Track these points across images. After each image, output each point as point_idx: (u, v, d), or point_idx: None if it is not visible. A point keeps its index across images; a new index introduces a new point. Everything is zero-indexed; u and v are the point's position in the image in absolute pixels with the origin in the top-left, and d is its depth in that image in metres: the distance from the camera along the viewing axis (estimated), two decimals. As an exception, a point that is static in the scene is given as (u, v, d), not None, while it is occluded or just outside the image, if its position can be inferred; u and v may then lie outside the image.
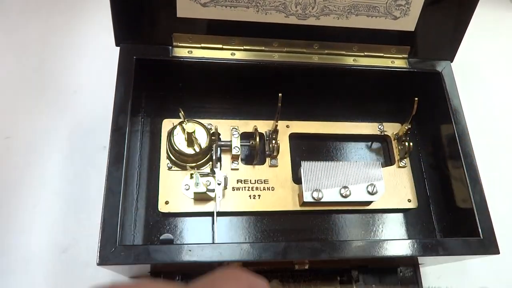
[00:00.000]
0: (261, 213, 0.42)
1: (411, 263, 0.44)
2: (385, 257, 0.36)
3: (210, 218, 0.42)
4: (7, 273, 0.46)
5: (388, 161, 0.47)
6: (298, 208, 0.42)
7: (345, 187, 0.42)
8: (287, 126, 0.46)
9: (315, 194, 0.41)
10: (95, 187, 0.50)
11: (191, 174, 0.41)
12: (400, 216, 0.46)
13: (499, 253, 0.38)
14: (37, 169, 0.50)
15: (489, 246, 0.38)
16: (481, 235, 0.38)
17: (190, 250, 0.34)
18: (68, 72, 0.57)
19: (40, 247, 0.47)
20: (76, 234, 0.48)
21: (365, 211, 0.45)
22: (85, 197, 0.50)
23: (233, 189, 0.42)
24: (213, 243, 0.38)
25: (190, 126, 0.39)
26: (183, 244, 0.34)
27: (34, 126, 0.52)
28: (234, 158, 0.43)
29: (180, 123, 0.42)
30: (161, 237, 0.37)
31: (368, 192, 0.42)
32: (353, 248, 0.36)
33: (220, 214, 0.41)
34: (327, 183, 0.42)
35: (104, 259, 0.32)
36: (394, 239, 0.38)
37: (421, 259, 0.41)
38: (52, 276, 0.46)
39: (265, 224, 0.43)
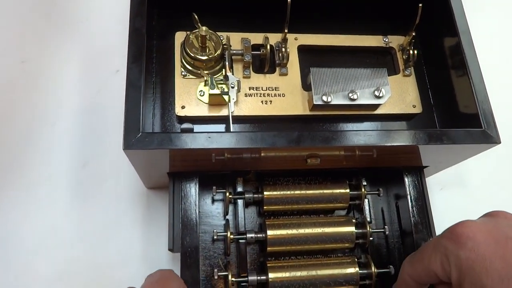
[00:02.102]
0: (273, 118, 0.44)
1: (416, 167, 0.46)
2: (393, 147, 0.38)
3: (224, 126, 0.44)
4: (32, 188, 0.48)
5: (393, 71, 0.49)
6: (308, 112, 0.44)
7: (352, 91, 0.44)
8: (295, 39, 0.47)
9: (324, 98, 0.43)
10: (110, 108, 0.52)
11: (205, 81, 0.43)
12: (404, 123, 0.48)
13: (500, 142, 0.40)
14: (53, 90, 0.52)
15: (490, 136, 0.40)
16: (484, 127, 0.40)
17: (209, 137, 0.36)
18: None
19: (61, 162, 0.49)
20: (94, 150, 0.50)
21: (372, 118, 0.47)
22: (100, 116, 0.52)
23: (246, 95, 0.44)
24: (231, 131, 0.40)
25: (204, 29, 0.41)
26: (203, 132, 0.36)
27: (48, 50, 0.54)
28: (246, 65, 0.45)
29: (193, 32, 0.43)
30: (182, 126, 0.39)
31: (375, 96, 0.44)
32: (362, 137, 0.38)
33: (234, 119, 0.43)
34: (335, 88, 0.44)
35: (129, 145, 0.34)
36: (401, 129, 0.40)
37: (425, 157, 0.43)
38: (74, 189, 0.49)
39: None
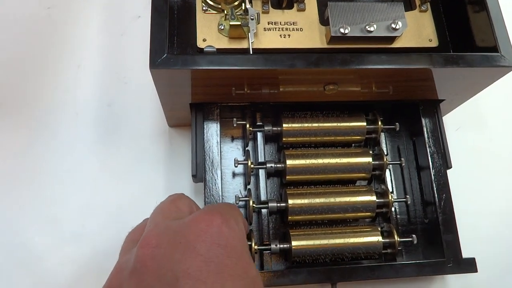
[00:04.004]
0: (291, 51, 0.45)
1: (432, 101, 0.47)
2: (410, 70, 0.39)
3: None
4: (58, 125, 0.51)
5: (409, 7, 0.49)
6: (325, 46, 0.45)
7: (369, 24, 0.45)
8: (313, -24, 0.48)
9: (342, 30, 0.44)
10: (132, 51, 0.54)
11: (226, 15, 0.44)
12: (421, 57, 0.49)
13: (516, 67, 0.40)
14: (78, 34, 0.54)
15: (507, 60, 0.40)
16: (500, 53, 0.41)
17: (231, 58, 0.37)
18: None
19: (86, 102, 0.51)
20: (118, 90, 0.52)
21: (388, 51, 0.47)
22: (123, 58, 0.54)
23: (264, 29, 0.45)
24: (251, 54, 0.42)
25: (224, -39, 0.42)
26: (225, 54, 0.37)
27: (72, -3, 0.56)
28: (265, 1, 0.46)
29: (213, -33, 0.44)
30: (205, 49, 0.41)
31: (391, 28, 0.45)
32: (379, 60, 0.39)
33: (254, 51, 0.44)
34: (352, 21, 0.45)
35: (155, 65, 0.36)
36: (417, 53, 0.41)
37: (440, 87, 0.44)
38: (99, 126, 0.51)
39: (295, 62, 0.46)
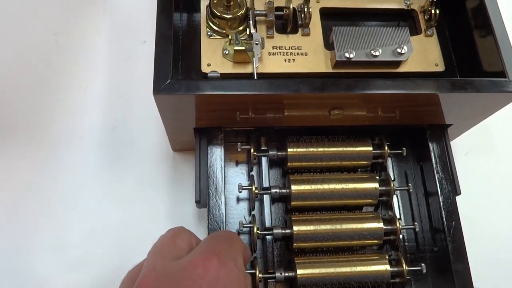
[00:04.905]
0: (296, 75, 0.45)
1: (439, 125, 0.46)
2: (416, 95, 0.39)
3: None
4: (63, 149, 0.51)
5: (415, 32, 0.49)
6: (330, 70, 0.45)
7: (374, 49, 0.44)
8: (317, 1, 0.48)
9: (347, 54, 0.44)
10: (138, 75, 0.54)
11: (230, 40, 0.44)
12: (427, 83, 0.48)
13: (524, 90, 0.40)
14: (84, 59, 0.55)
15: (515, 85, 0.40)
16: (508, 78, 0.40)
17: (235, 83, 0.37)
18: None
19: (92, 125, 0.51)
20: (123, 115, 0.52)
21: (394, 76, 0.47)
22: (129, 83, 0.54)
23: (269, 54, 0.45)
24: (255, 78, 0.41)
25: (229, -13, 0.42)
26: (228, 79, 0.37)
27: (79, 23, 0.56)
28: (269, 26, 0.46)
29: (218, -8, 0.45)
30: (209, 74, 0.41)
31: (397, 53, 0.45)
32: (384, 85, 0.38)
33: (258, 76, 0.44)
34: (357, 45, 0.44)
35: (159, 90, 0.36)
36: (423, 78, 0.40)
37: (448, 112, 0.43)
38: (103, 151, 0.51)
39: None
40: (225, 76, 0.44)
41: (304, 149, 0.45)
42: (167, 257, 0.30)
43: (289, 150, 0.45)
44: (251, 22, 0.44)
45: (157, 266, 0.29)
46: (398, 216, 0.46)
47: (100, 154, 0.50)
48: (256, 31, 0.45)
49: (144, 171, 0.50)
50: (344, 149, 0.46)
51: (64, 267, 0.46)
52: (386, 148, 0.46)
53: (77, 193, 0.49)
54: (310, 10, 0.45)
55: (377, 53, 0.44)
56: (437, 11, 0.47)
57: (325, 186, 0.44)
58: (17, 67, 0.54)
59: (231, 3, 0.44)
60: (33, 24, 0.56)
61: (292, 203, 0.44)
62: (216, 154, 0.43)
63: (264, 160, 0.46)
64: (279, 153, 0.45)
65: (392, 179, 0.47)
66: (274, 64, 0.45)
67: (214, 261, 0.28)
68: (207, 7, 0.45)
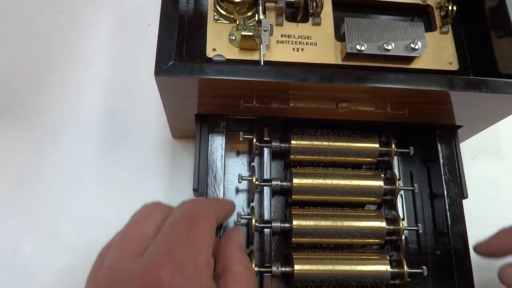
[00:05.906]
0: (304, 65, 0.43)
1: (449, 126, 0.45)
2: (428, 91, 0.37)
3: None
4: (61, 133, 0.49)
5: (429, 29, 0.47)
6: (340, 62, 0.44)
7: (387, 42, 0.43)
8: (330, -9, 0.47)
9: (358, 46, 0.42)
10: (140, 59, 0.53)
11: (237, 26, 0.43)
12: (440, 80, 0.47)
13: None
14: (85, 40, 0.53)
15: (531, 86, 0.38)
16: (523, 78, 0.38)
17: (240, 68, 0.35)
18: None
19: (90, 110, 0.50)
20: (122, 100, 0.51)
21: (405, 72, 0.45)
22: (130, 67, 0.52)
23: (277, 42, 0.44)
24: (262, 65, 0.40)
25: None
26: (234, 64, 0.35)
27: (83, 3, 0.55)
28: (279, 13, 0.44)
29: (228, -24, 0.43)
30: (214, 57, 0.39)
31: (410, 48, 0.43)
32: (396, 79, 0.37)
33: (265, 64, 0.42)
34: (369, 38, 0.43)
35: (160, 71, 0.34)
36: (437, 75, 0.39)
37: (459, 112, 0.42)
38: (102, 136, 0.49)
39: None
40: (230, 62, 0.43)
41: (308, 142, 0.44)
42: (127, 252, 0.28)
43: (292, 142, 0.43)
44: (260, 7, 0.43)
45: (114, 266, 0.28)
46: (401, 217, 0.45)
47: (98, 139, 0.49)
48: (265, 17, 0.44)
49: (142, 157, 0.49)
50: (350, 144, 0.44)
51: (56, 254, 0.45)
52: (393, 146, 0.45)
53: (74, 179, 0.47)
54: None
55: (389, 47, 0.43)
56: (454, 8, 0.45)
57: (328, 181, 0.43)
58: (17, 44, 0.52)
59: (241, -14, 0.42)
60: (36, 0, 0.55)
61: (293, 196, 0.43)
62: (217, 142, 0.42)
63: (266, 151, 0.45)
64: (282, 144, 0.44)
65: (398, 178, 0.46)
66: (282, 53, 0.43)
67: (166, 270, 0.25)
68: (215, -11, 0.44)
